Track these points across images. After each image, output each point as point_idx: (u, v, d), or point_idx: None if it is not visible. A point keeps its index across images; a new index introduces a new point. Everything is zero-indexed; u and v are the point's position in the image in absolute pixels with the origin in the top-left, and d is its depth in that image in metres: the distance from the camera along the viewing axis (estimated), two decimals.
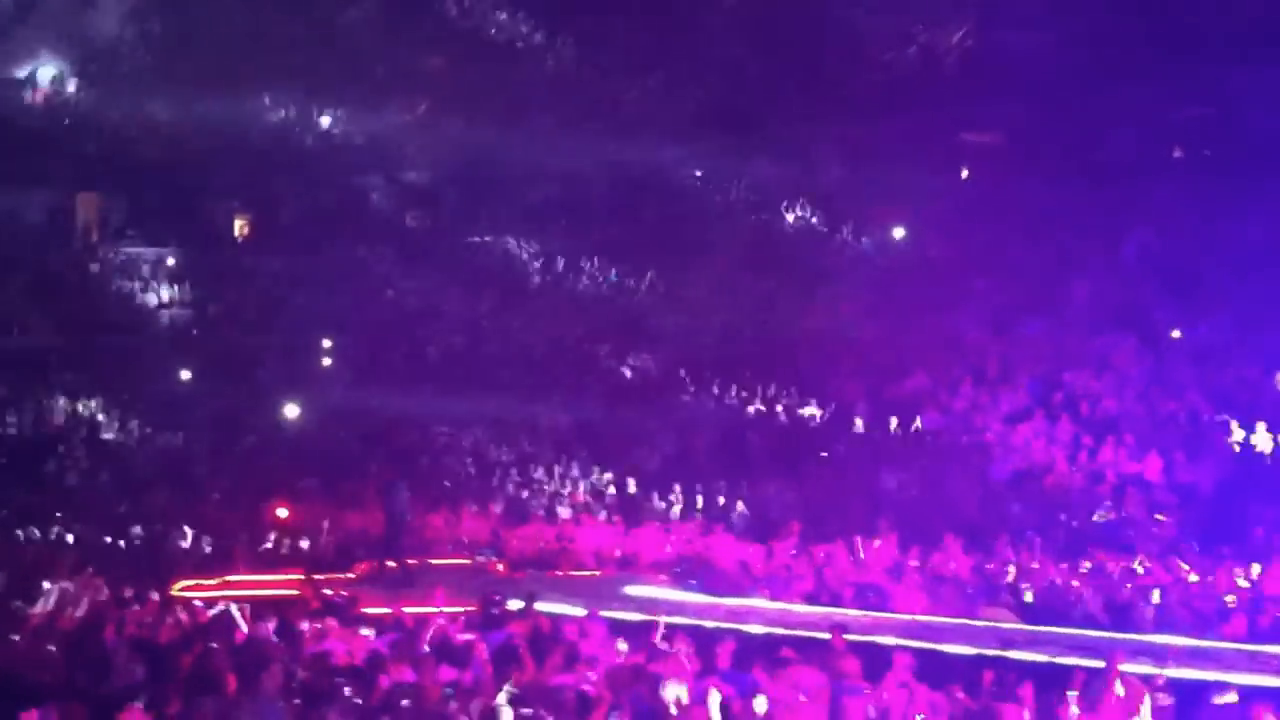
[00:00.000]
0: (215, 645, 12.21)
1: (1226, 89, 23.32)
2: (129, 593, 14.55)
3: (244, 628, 12.89)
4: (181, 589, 15.68)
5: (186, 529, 18.82)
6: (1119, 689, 10.44)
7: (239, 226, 31.94)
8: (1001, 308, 24.07)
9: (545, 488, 21.47)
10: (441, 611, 13.33)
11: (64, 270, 29.18)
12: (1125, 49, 23.09)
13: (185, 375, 26.63)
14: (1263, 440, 18.26)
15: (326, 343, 27.89)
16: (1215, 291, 21.45)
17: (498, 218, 30.84)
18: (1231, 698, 10.40)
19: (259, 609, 13.48)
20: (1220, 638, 12.45)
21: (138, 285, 29.53)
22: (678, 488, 20.31)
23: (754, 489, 20.08)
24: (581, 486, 21.43)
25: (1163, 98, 24.24)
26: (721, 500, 19.98)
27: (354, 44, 29.79)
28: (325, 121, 31.20)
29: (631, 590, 15.60)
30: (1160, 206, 23.61)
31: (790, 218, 28.23)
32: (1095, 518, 17.35)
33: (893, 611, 14.12)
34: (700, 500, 20.17)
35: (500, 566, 17.65)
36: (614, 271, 28.61)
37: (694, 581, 16.22)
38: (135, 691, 10.81)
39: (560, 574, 17.10)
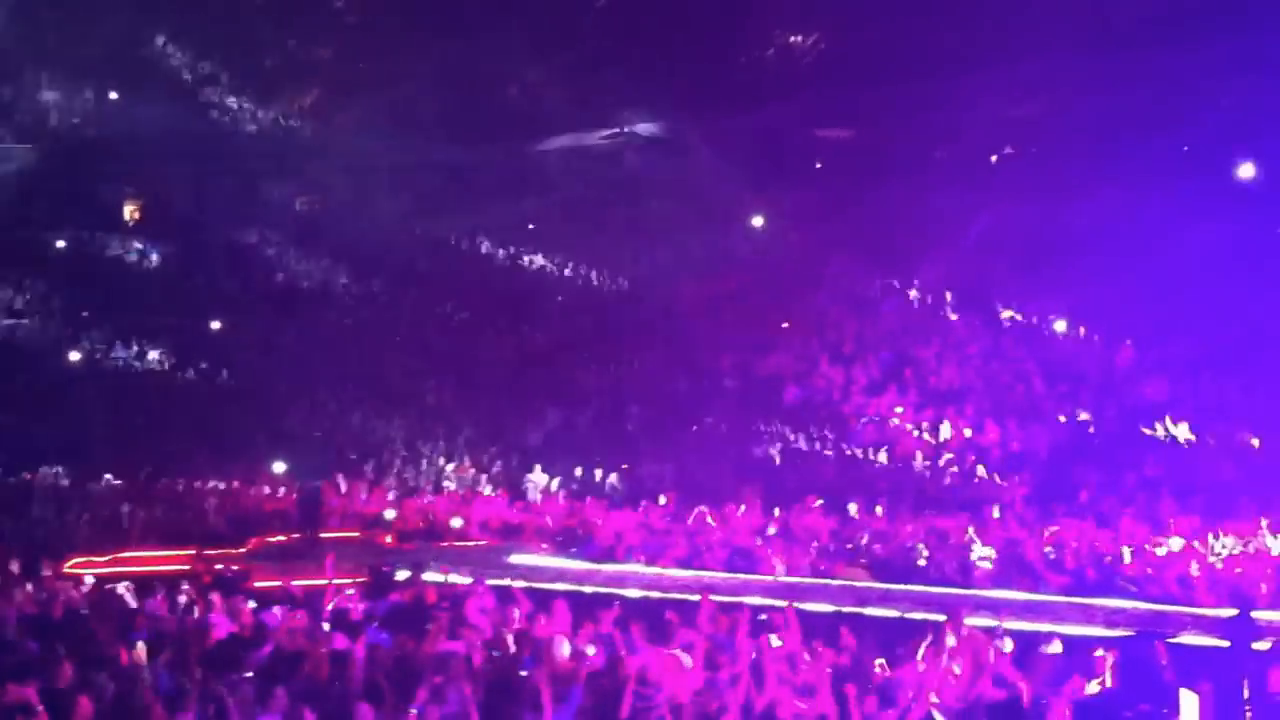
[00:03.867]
0: (107, 621, 11.84)
1: (1057, 86, 23.92)
2: (21, 570, 13.98)
3: (133, 603, 12.45)
4: (73, 566, 15.13)
5: (78, 506, 18.17)
6: (960, 641, 10.60)
7: (129, 211, 30.85)
8: (855, 289, 24.43)
9: (433, 462, 21.18)
10: (333, 583, 13.04)
11: None
12: (965, 51, 23.52)
13: (75, 356, 25.67)
14: (1087, 411, 18.81)
15: (215, 324, 27.14)
16: (1049, 274, 21.99)
17: (387, 202, 30.33)
18: (1056, 647, 10.65)
19: (150, 584, 13.04)
20: (1052, 591, 12.76)
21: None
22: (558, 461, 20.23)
23: (632, 460, 20.07)
24: (468, 460, 21.20)
25: (1001, 94, 24.78)
26: (599, 472, 19.92)
27: (245, 34, 28.97)
28: (216, 111, 30.28)
29: (515, 558, 15.48)
30: (1000, 195, 24.14)
31: (662, 204, 28.25)
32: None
33: (758, 573, 14.20)
34: (580, 472, 20.08)
35: (389, 538, 17.36)
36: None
37: (574, 549, 16.15)
38: (27, 667, 10.37)
39: (447, 544, 16.88)
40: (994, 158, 26.46)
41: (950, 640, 10.26)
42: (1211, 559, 13.30)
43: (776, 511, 16.65)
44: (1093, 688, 9.76)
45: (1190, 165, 22.45)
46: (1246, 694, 9.09)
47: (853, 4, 25.96)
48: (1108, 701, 9.56)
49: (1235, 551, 13.49)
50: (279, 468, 20.02)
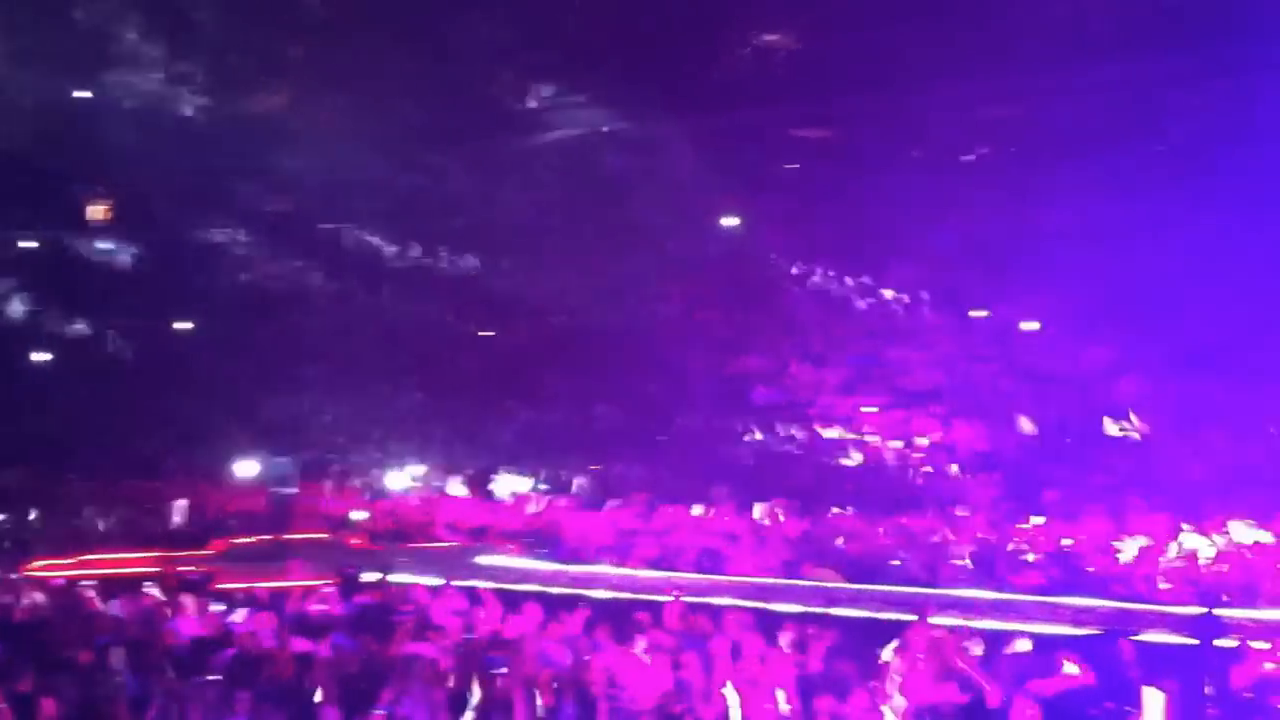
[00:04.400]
0: (70, 623, 11.75)
1: (1029, 90, 24.06)
2: None
3: (97, 605, 12.36)
4: (38, 568, 15.01)
5: (43, 509, 18.02)
6: (930, 640, 10.61)
7: (98, 210, 30.59)
8: (828, 289, 24.47)
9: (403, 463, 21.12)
10: (299, 585, 12.98)
11: None
12: (941, 54, 23.61)
13: (40, 357, 25.46)
14: (1056, 411, 18.93)
15: (186, 325, 26.96)
16: (1018, 275, 22.09)
17: (359, 204, 30.21)
18: (1025, 645, 10.68)
19: (114, 587, 12.95)
20: (1020, 590, 12.80)
21: None
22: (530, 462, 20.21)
23: (603, 461, 20.03)
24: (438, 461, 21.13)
25: (973, 97, 24.90)
26: (569, 473, 19.89)
27: (214, 30, 28.78)
28: (186, 108, 30.04)
29: (484, 560, 15.43)
30: (972, 197, 24.22)
31: (635, 204, 28.21)
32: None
33: (728, 574, 14.20)
34: (550, 472, 20.04)
35: (357, 540, 17.29)
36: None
37: (543, 550, 16.11)
38: None
39: (415, 546, 16.83)
40: (969, 159, 26.55)
41: (919, 641, 10.30)
42: (1178, 557, 13.38)
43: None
44: (1059, 685, 9.79)
45: (1162, 169, 22.60)
46: (1211, 691, 9.14)
47: (831, 5, 26.03)
48: (1074, 700, 9.60)
49: (1201, 550, 13.57)
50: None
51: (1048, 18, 22.90)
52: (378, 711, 9.56)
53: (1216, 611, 10.51)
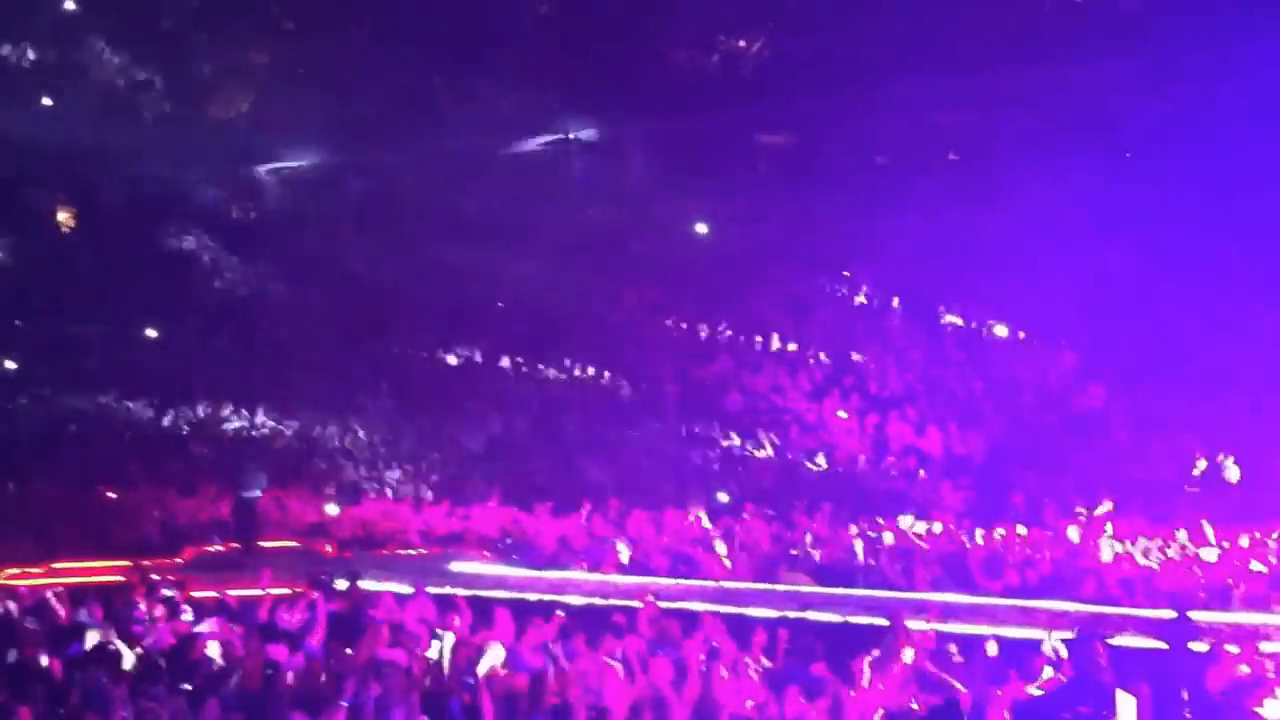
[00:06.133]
0: (38, 631, 11.60)
1: (986, 96, 24.19)
2: None
3: (63, 613, 12.19)
4: (7, 577, 14.80)
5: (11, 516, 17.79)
6: (904, 645, 10.61)
7: (61, 218, 30.24)
8: (796, 294, 24.51)
9: (373, 471, 20.97)
10: (269, 593, 12.84)
11: None
12: (898, 60, 23.73)
13: (8, 365, 25.14)
14: (1027, 416, 19.04)
15: (151, 332, 26.67)
16: (989, 280, 22.18)
17: (322, 208, 29.99)
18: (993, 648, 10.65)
19: (83, 594, 12.79)
20: (994, 594, 12.82)
21: None
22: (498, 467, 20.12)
23: (572, 467, 19.97)
24: (408, 469, 20.99)
25: (931, 103, 25.00)
26: (541, 478, 19.81)
27: (178, 38, 28.55)
28: (150, 114, 29.76)
29: (456, 566, 15.33)
30: (933, 201, 24.31)
31: (601, 209, 28.15)
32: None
33: (701, 579, 14.16)
34: (521, 478, 19.95)
35: (329, 547, 17.16)
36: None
37: (516, 556, 16.03)
38: None
39: (387, 553, 16.72)
40: (945, 154, 26.64)
41: (899, 646, 10.30)
42: (1150, 561, 13.46)
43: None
44: (1032, 690, 9.82)
45: (1131, 172, 22.76)
46: (1186, 696, 9.18)
47: (796, 10, 26.10)
48: (1046, 704, 9.62)
49: (1173, 554, 13.66)
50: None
51: (1016, 19, 23.06)
52: (342, 703, 9.45)
53: (1189, 615, 10.57)
